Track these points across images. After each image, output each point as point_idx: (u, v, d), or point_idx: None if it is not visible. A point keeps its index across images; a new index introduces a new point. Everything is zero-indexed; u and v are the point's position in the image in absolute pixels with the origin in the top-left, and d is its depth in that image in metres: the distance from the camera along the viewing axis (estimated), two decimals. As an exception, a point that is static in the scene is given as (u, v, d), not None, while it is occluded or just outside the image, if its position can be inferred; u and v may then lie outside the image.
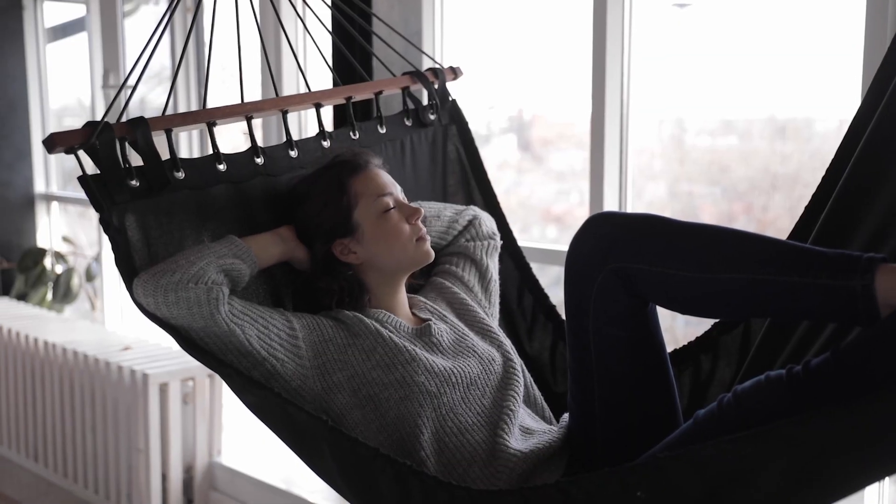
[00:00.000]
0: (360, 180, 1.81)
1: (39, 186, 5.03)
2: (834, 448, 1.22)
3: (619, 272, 1.51)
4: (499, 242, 2.08)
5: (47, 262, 4.86)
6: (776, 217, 2.70)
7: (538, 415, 1.83)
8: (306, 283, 1.83)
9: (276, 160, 1.89)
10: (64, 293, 4.77)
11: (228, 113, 1.84)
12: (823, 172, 1.74)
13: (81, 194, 4.93)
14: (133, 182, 1.69)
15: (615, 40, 2.57)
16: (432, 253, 1.85)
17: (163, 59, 4.28)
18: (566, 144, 3.31)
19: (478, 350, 1.79)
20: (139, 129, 1.70)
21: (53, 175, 5.05)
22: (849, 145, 1.68)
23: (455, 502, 1.37)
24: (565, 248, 2.71)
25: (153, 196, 1.71)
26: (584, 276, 1.56)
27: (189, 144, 4.13)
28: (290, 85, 3.50)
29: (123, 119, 1.72)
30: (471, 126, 2.25)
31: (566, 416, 1.77)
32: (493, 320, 1.96)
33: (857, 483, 1.29)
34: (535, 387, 1.87)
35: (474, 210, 2.08)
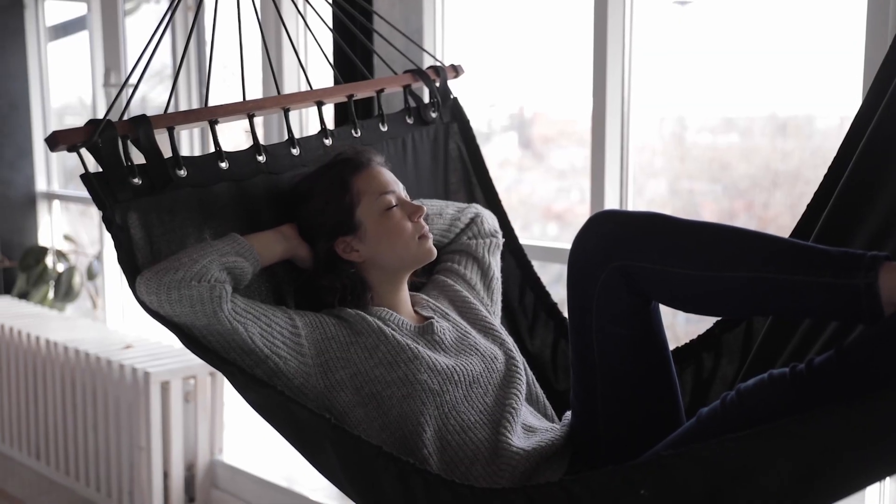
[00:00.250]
0: (363, 178, 1.81)
1: (41, 185, 5.03)
2: (837, 447, 1.22)
3: (621, 270, 1.51)
4: (501, 240, 2.08)
5: (49, 260, 4.86)
6: (777, 214, 2.71)
7: (540, 412, 1.83)
8: (309, 281, 1.83)
9: (278, 158, 1.89)
10: (65, 292, 4.77)
11: (230, 111, 1.84)
12: (824, 170, 1.74)
13: (83, 193, 4.94)
14: (135, 180, 1.69)
15: (616, 37, 2.57)
16: (434, 251, 1.85)
17: (163, 57, 4.28)
18: (567, 142, 3.31)
19: (480, 348, 1.80)
20: (141, 127, 1.70)
21: (55, 173, 5.05)
22: (851, 143, 1.68)
23: (458, 501, 1.37)
24: (566, 245, 2.72)
25: (155, 194, 1.71)
26: (586, 275, 1.56)
27: (190, 143, 4.14)
28: (291, 83, 3.50)
29: (125, 117, 1.72)
30: (472, 124, 2.25)
31: (568, 413, 1.77)
32: (495, 318, 1.96)
33: (860, 482, 1.29)
34: (536, 384, 1.87)
35: (476, 208, 2.08)
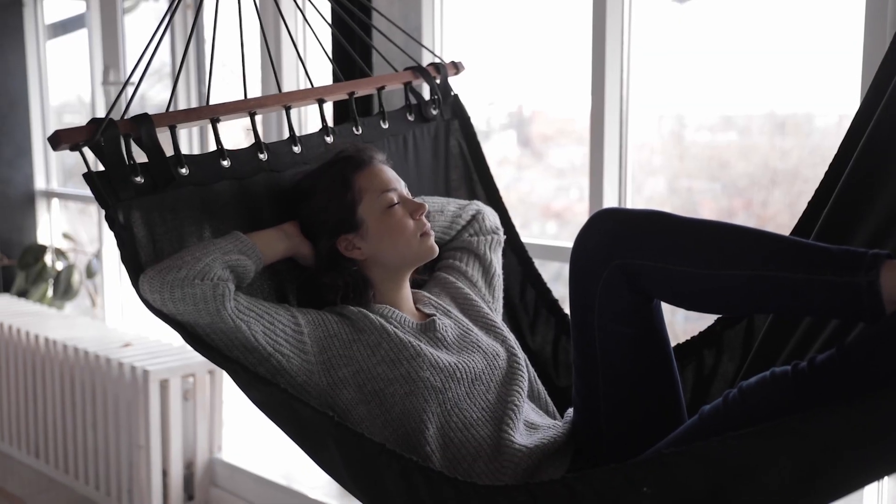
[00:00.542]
0: (365, 176, 1.81)
1: (40, 183, 5.03)
2: (838, 445, 1.22)
3: (622, 268, 1.51)
4: (502, 237, 2.09)
5: (48, 258, 4.86)
6: (776, 213, 2.71)
7: (542, 409, 1.83)
8: (311, 278, 1.83)
9: (279, 156, 1.90)
10: (64, 290, 4.77)
11: (232, 109, 1.84)
12: (823, 168, 1.74)
13: (82, 191, 4.96)
14: (137, 178, 1.69)
15: (615, 36, 2.57)
16: (436, 248, 1.85)
17: (161, 55, 4.28)
18: (566, 140, 3.31)
19: (482, 345, 1.80)
20: (143, 126, 1.70)
21: (54, 172, 5.05)
22: (851, 141, 1.68)
23: (461, 498, 1.37)
24: (565, 244, 2.73)
25: (158, 192, 1.71)
26: (588, 273, 1.56)
27: (189, 141, 4.14)
28: (290, 81, 3.50)
29: (127, 116, 1.73)
30: (472, 121, 2.25)
31: (570, 410, 1.77)
32: (496, 315, 1.97)
33: (861, 480, 1.29)
34: (538, 381, 1.87)
35: (478, 205, 2.08)
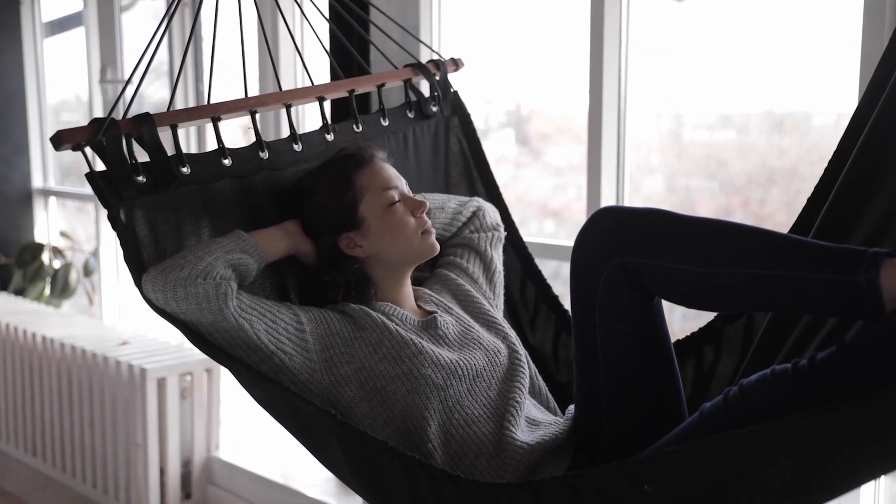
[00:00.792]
0: (366, 174, 1.82)
1: (37, 181, 5.03)
2: (838, 444, 1.23)
3: (623, 267, 1.52)
4: (503, 233, 2.09)
5: (45, 257, 4.86)
6: (773, 211, 2.71)
7: (543, 405, 1.84)
8: (312, 276, 1.84)
9: (280, 154, 1.90)
10: (62, 288, 4.77)
11: (233, 108, 1.85)
12: (821, 167, 1.74)
13: (79, 189, 4.95)
14: (139, 178, 1.70)
15: (612, 34, 2.57)
16: (437, 246, 1.85)
17: (158, 54, 4.27)
18: (564, 139, 3.31)
19: (483, 342, 1.80)
20: (145, 125, 1.70)
21: (51, 170, 5.05)
22: (850, 138, 1.68)
23: (463, 495, 1.38)
24: (563, 242, 2.73)
25: (160, 191, 1.72)
26: (589, 271, 1.56)
27: (187, 140, 4.13)
28: (287, 78, 3.50)
29: (125, 115, 1.73)
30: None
31: (572, 407, 1.77)
32: (497, 312, 1.97)
33: (859, 479, 1.31)
34: (539, 377, 1.88)
35: (478, 201, 2.09)
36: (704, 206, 2.85)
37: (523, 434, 1.67)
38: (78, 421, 3.80)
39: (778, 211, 2.69)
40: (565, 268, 2.67)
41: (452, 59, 2.25)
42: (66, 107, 5.22)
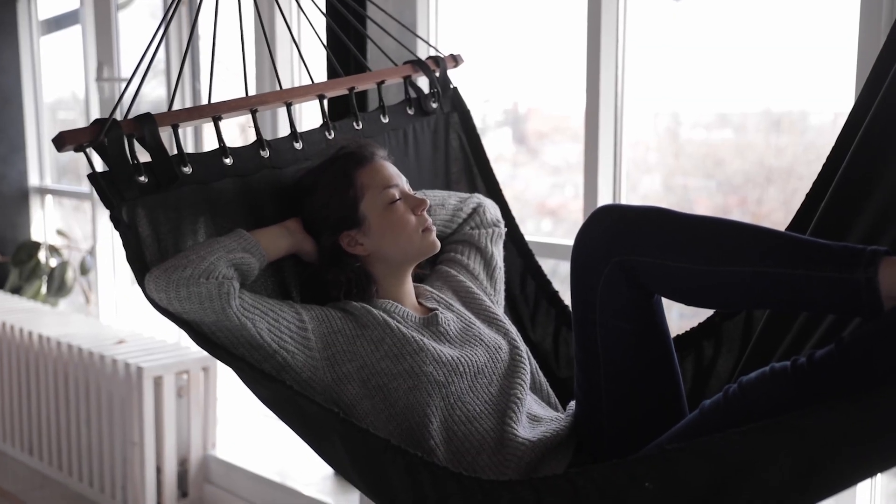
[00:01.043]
0: (366, 172, 1.82)
1: (34, 180, 5.03)
2: (837, 442, 1.24)
3: (622, 265, 1.52)
4: (503, 230, 2.09)
5: (42, 255, 4.86)
6: (770, 210, 2.71)
7: (544, 401, 1.85)
8: (314, 275, 1.84)
9: (281, 152, 1.90)
10: (58, 287, 4.77)
11: (234, 107, 1.85)
12: (818, 165, 1.74)
13: (76, 188, 4.95)
14: (141, 178, 1.70)
15: (609, 33, 2.58)
16: (438, 243, 1.86)
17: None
18: (561, 137, 3.31)
19: (484, 338, 1.81)
20: (147, 126, 1.71)
21: (48, 168, 5.04)
22: (847, 136, 1.68)
23: (465, 493, 1.38)
24: (560, 241, 2.73)
25: (161, 191, 1.72)
26: (589, 270, 1.57)
27: (184, 140, 4.13)
28: (284, 76, 3.50)
29: (122, 115, 1.73)
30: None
31: (573, 403, 1.78)
32: (498, 308, 1.98)
33: (857, 477, 1.32)
34: (540, 373, 1.89)
35: (479, 198, 2.09)
36: (702, 205, 2.85)
37: (525, 430, 1.68)
38: (74, 419, 3.80)
39: (775, 210, 2.69)
40: (563, 266, 2.68)
41: (452, 55, 2.25)
42: (63, 105, 5.21)
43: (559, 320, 2.12)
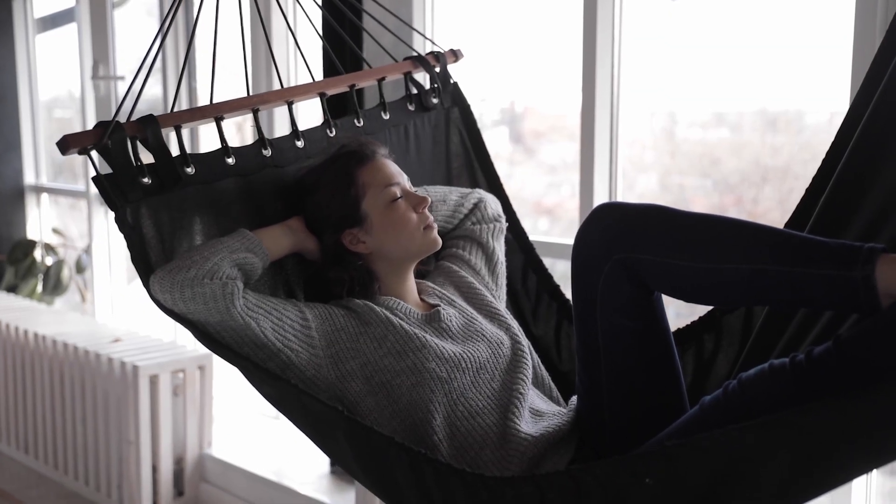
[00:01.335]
0: (368, 171, 1.83)
1: (29, 178, 5.02)
2: (837, 438, 1.25)
3: (622, 263, 1.53)
4: (504, 225, 2.10)
5: (37, 253, 4.85)
6: (767, 209, 2.72)
7: (546, 395, 1.86)
8: (317, 273, 1.85)
9: (282, 151, 1.91)
10: (54, 285, 4.76)
11: (236, 106, 1.85)
12: (814, 165, 1.75)
13: (72, 186, 4.94)
14: (145, 179, 1.71)
15: (605, 32, 2.58)
16: (440, 241, 1.87)
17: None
18: (558, 137, 3.32)
19: (486, 334, 1.82)
20: (149, 127, 1.71)
21: (43, 167, 5.04)
22: (844, 135, 1.69)
23: (468, 489, 1.39)
24: (557, 240, 2.73)
25: (165, 192, 1.73)
26: (589, 267, 1.58)
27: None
28: (281, 74, 3.49)
29: (122, 116, 1.73)
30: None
31: (575, 397, 1.79)
32: (500, 303, 1.99)
33: (853, 473, 1.33)
34: (542, 367, 1.90)
35: (480, 193, 2.10)
36: (698, 204, 2.85)
37: (527, 425, 1.69)
38: (70, 418, 3.79)
39: (771, 209, 2.70)
40: (559, 265, 2.68)
41: (452, 50, 2.25)
42: (59, 103, 5.21)
43: (561, 314, 2.13)
